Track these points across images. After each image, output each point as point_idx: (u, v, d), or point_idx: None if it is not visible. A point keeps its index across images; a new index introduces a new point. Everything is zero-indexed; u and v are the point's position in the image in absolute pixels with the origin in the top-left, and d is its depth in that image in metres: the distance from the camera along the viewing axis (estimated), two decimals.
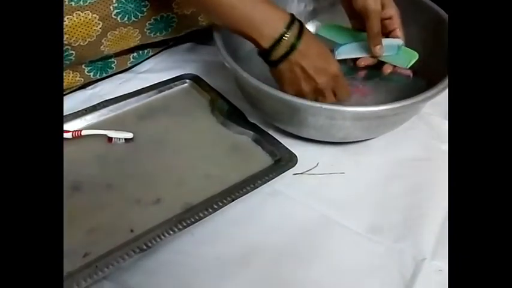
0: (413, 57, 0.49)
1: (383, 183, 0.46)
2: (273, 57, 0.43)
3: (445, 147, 0.50)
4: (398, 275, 0.39)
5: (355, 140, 0.49)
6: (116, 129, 0.47)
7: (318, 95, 0.45)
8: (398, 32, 0.50)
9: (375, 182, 0.46)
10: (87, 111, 0.50)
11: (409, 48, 0.50)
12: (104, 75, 0.57)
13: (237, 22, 0.42)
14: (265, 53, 0.43)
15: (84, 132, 0.47)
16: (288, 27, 0.42)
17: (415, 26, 0.52)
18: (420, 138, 0.51)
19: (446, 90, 0.42)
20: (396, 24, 0.49)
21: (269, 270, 0.39)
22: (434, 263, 0.39)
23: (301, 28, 0.42)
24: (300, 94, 0.44)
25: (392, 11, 0.49)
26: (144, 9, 0.52)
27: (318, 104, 0.41)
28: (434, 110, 0.53)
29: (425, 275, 0.38)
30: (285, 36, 0.41)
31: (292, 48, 0.42)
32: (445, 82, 0.43)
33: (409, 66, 0.49)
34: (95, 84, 0.57)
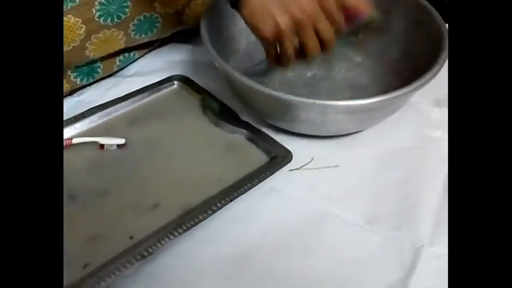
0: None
1: (377, 173, 0.47)
2: None
3: (435, 134, 0.51)
4: (398, 262, 0.39)
5: (347, 132, 0.50)
6: (107, 136, 0.47)
7: (297, 28, 0.41)
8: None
9: (369, 173, 0.47)
10: (76, 119, 0.49)
11: None
12: (91, 80, 0.56)
13: None
14: None
15: (75, 141, 0.46)
16: None
17: (398, 15, 0.53)
18: (411, 126, 0.52)
19: (435, 78, 0.43)
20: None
21: (271, 265, 0.39)
22: (433, 249, 0.40)
23: None
24: (278, 29, 0.41)
25: None
26: (127, 10, 0.51)
27: (310, 100, 0.41)
28: (423, 98, 0.53)
29: (425, 262, 0.39)
30: None
31: None
32: (434, 70, 0.43)
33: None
34: (81, 90, 0.56)
